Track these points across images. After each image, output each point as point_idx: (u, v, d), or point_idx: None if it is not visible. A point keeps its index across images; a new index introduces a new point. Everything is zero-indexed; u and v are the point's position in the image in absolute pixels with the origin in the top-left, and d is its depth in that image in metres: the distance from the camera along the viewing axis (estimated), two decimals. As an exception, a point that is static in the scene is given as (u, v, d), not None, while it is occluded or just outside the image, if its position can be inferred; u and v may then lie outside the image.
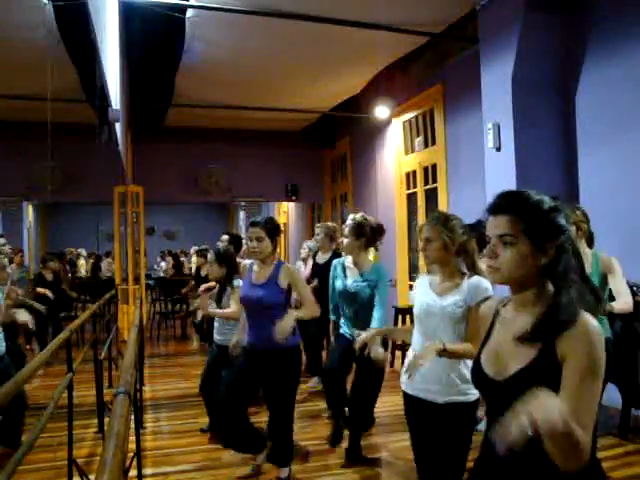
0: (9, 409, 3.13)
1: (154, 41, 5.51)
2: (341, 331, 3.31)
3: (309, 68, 6.56)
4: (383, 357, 2.87)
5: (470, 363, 1.97)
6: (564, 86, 4.42)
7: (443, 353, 1.92)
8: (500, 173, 4.42)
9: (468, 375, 2.01)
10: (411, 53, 6.16)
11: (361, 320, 3.10)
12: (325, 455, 3.45)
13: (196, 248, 11.68)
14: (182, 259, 13.34)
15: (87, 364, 4.23)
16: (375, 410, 3.49)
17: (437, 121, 6.11)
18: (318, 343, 5.20)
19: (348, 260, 3.24)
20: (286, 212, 12.93)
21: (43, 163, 7.44)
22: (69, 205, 15.58)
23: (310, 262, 5.24)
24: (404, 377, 2.18)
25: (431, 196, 6.38)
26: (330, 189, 10.08)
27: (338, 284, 3.24)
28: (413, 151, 6.84)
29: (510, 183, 4.23)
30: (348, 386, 3.37)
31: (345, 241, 3.16)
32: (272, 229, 2.90)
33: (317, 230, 4.88)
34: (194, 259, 12.61)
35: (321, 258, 4.93)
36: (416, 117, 6.72)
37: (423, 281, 2.27)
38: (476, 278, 2.10)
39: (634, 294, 3.21)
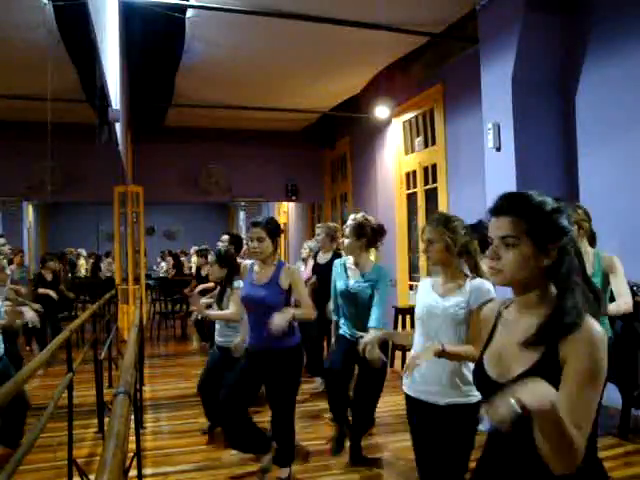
0: (11, 409, 3.13)
1: (154, 41, 5.51)
2: (341, 332, 3.30)
3: (309, 68, 6.55)
4: (378, 357, 2.87)
5: (472, 365, 1.97)
6: (564, 86, 4.42)
7: (442, 354, 1.92)
8: (500, 173, 4.42)
9: (470, 377, 2.01)
10: (411, 53, 6.16)
11: (362, 320, 3.09)
12: (325, 455, 3.45)
13: (196, 248, 11.69)
14: (182, 259, 13.34)
15: (87, 364, 4.22)
16: (376, 410, 3.49)
17: (437, 121, 6.11)
18: (319, 344, 5.20)
19: (349, 260, 3.24)
20: (286, 212, 12.93)
21: (43, 163, 7.44)
22: (69, 205, 15.57)
23: (311, 262, 5.24)
24: (406, 379, 2.18)
25: (431, 196, 6.38)
26: (330, 189, 10.08)
27: (340, 284, 3.24)
28: (413, 151, 6.84)
29: (510, 183, 4.23)
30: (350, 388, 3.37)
31: (346, 241, 3.16)
32: (273, 229, 2.90)
33: (318, 230, 4.87)
34: (194, 259, 12.61)
35: (322, 258, 4.93)
36: (416, 117, 6.71)
37: (425, 283, 2.27)
38: (479, 280, 2.10)
39: (634, 294, 3.21)
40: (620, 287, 2.96)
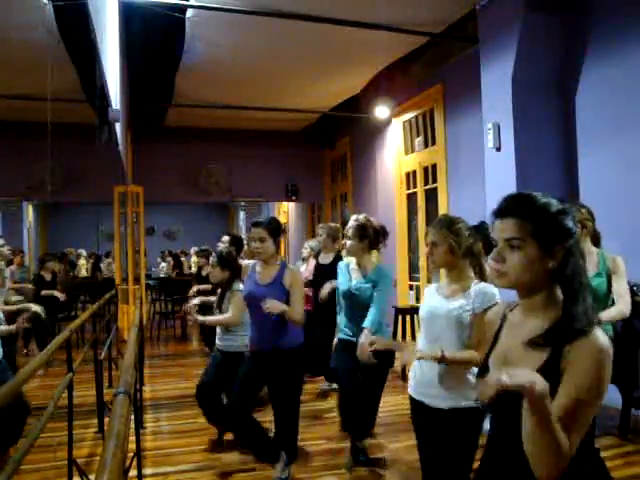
0: (10, 413, 3.11)
1: (154, 41, 5.51)
2: (341, 335, 3.23)
3: (309, 68, 6.56)
4: (368, 356, 2.89)
5: (475, 369, 1.97)
6: (564, 86, 4.42)
7: (441, 360, 1.91)
8: (500, 173, 4.42)
9: (473, 380, 2.00)
10: (411, 53, 6.16)
11: (364, 322, 3.09)
12: (325, 455, 3.45)
13: (196, 249, 11.69)
14: (182, 259, 13.34)
15: (87, 364, 4.22)
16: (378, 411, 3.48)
17: (437, 121, 6.11)
18: (324, 345, 5.18)
19: (353, 262, 3.24)
20: (286, 212, 12.94)
21: (43, 163, 7.44)
22: (69, 205, 15.58)
23: (312, 262, 5.22)
24: (412, 381, 2.19)
25: (431, 196, 6.38)
26: (330, 189, 10.08)
27: (342, 285, 3.23)
28: (413, 151, 6.84)
29: (510, 183, 4.23)
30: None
31: (348, 243, 3.15)
32: (274, 229, 2.88)
33: (320, 231, 4.86)
34: (194, 259, 12.62)
35: (324, 259, 4.92)
36: (416, 117, 6.72)
37: (430, 288, 2.27)
38: (484, 284, 2.09)
39: (634, 294, 3.21)
40: (620, 290, 2.96)
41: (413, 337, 5.88)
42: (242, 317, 3.35)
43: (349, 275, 3.20)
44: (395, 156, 7.12)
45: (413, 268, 6.99)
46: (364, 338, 2.92)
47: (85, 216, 15.70)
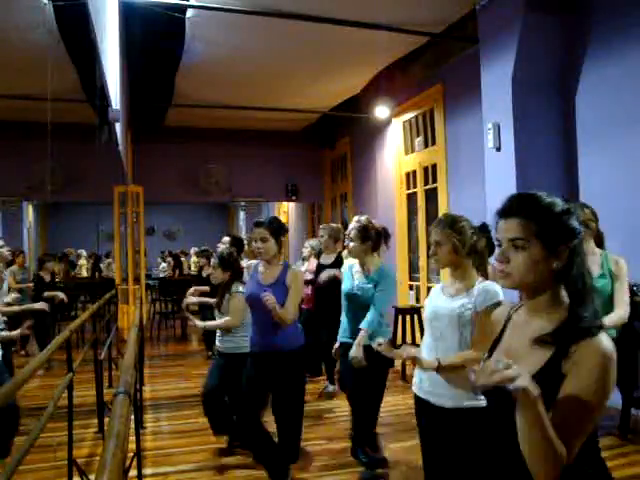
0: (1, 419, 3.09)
1: (154, 41, 5.52)
2: (343, 339, 3.20)
3: (309, 68, 6.56)
4: (360, 359, 2.90)
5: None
6: (564, 86, 4.43)
7: (439, 370, 1.91)
8: (500, 173, 4.42)
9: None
10: (411, 53, 6.16)
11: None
12: (325, 455, 3.45)
13: (196, 249, 11.70)
14: (182, 259, 13.36)
15: (87, 364, 4.22)
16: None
17: (437, 121, 6.11)
18: (329, 348, 5.16)
19: (356, 264, 3.24)
20: (286, 212, 12.93)
21: (43, 163, 7.43)
22: (69, 205, 15.57)
23: (313, 261, 5.21)
24: (416, 379, 2.19)
25: (431, 196, 6.38)
26: (330, 189, 10.08)
27: (345, 286, 3.23)
28: (413, 151, 6.84)
29: (510, 183, 4.24)
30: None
31: (351, 245, 3.15)
32: (276, 229, 2.86)
33: (321, 232, 4.85)
34: (194, 259, 12.63)
35: (325, 259, 4.91)
36: (416, 117, 6.72)
37: (437, 288, 2.27)
38: (487, 282, 2.09)
39: (634, 294, 3.21)
40: (621, 293, 2.96)
41: (413, 337, 5.87)
42: (242, 318, 3.33)
43: (352, 277, 3.21)
44: (395, 156, 7.12)
45: (413, 268, 6.99)
46: (359, 340, 2.93)
47: (85, 216, 15.69)
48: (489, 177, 4.58)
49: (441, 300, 2.16)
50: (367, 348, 2.84)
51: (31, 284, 6.30)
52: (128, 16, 4.86)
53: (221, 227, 17.73)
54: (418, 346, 2.23)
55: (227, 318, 3.39)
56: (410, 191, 6.90)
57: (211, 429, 3.53)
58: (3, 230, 11.07)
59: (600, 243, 3.15)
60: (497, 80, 4.45)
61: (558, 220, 1.19)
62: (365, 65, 6.63)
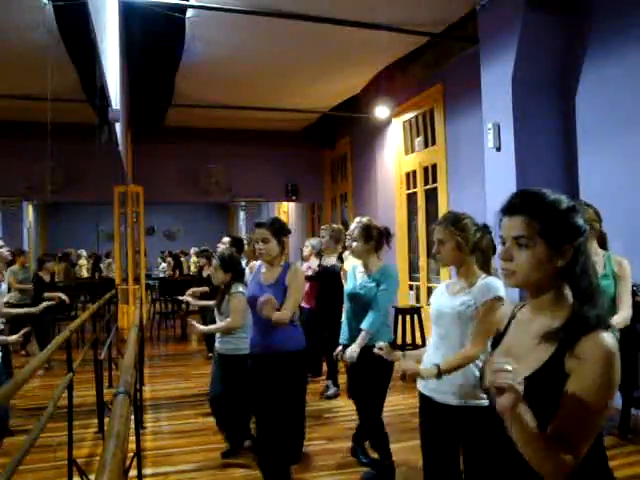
0: None
1: (154, 41, 5.52)
2: (345, 341, 3.18)
3: (309, 68, 6.56)
4: (353, 359, 2.92)
5: (479, 363, 1.97)
6: (564, 86, 4.42)
7: (440, 376, 1.91)
8: (500, 173, 4.42)
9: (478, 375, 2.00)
10: (411, 53, 6.16)
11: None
12: (325, 455, 3.45)
13: (196, 249, 11.70)
14: (182, 259, 13.36)
15: (87, 364, 4.22)
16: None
17: (437, 121, 6.11)
18: (332, 346, 5.14)
19: (359, 265, 3.24)
20: (286, 212, 12.93)
21: (43, 163, 7.44)
22: (69, 205, 15.57)
23: (314, 260, 5.20)
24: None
25: (431, 196, 6.38)
26: (330, 189, 10.08)
27: (348, 286, 3.23)
28: (413, 151, 6.84)
29: (510, 183, 4.23)
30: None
31: (354, 244, 3.15)
32: (278, 229, 2.83)
33: (323, 232, 4.84)
34: (194, 259, 12.63)
35: (326, 260, 4.91)
36: (416, 117, 6.72)
37: (441, 287, 2.27)
38: (490, 278, 2.08)
39: (634, 294, 3.21)
40: (624, 294, 2.95)
41: (413, 337, 5.87)
42: (243, 319, 3.31)
43: (355, 277, 3.21)
44: (395, 156, 7.12)
45: (413, 268, 6.99)
46: (360, 340, 2.93)
47: (85, 216, 15.68)
48: (489, 177, 4.58)
49: (444, 298, 2.16)
50: (369, 349, 2.83)
51: (30, 285, 6.28)
52: (128, 16, 4.87)
53: (221, 227, 17.74)
54: (418, 347, 2.23)
55: (228, 320, 3.36)
56: (410, 191, 6.90)
57: (221, 432, 3.53)
58: (3, 230, 11.07)
59: (603, 244, 3.14)
60: (497, 80, 4.45)
61: (563, 218, 1.17)
62: (365, 65, 6.63)
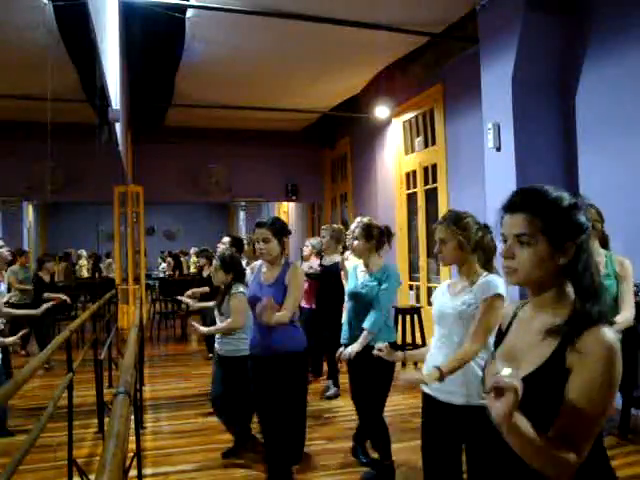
0: None
1: (154, 41, 5.52)
2: (346, 342, 3.16)
3: (309, 68, 6.56)
4: (351, 356, 2.93)
5: (481, 362, 1.96)
6: (564, 86, 4.42)
7: (442, 378, 1.91)
8: (500, 173, 4.42)
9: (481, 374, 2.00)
10: (411, 53, 6.16)
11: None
12: (325, 455, 3.45)
13: (196, 249, 11.70)
14: (182, 259, 13.36)
15: (87, 364, 4.22)
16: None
17: (437, 121, 6.12)
18: (333, 346, 5.14)
19: (360, 264, 3.24)
20: (286, 212, 12.93)
21: (43, 163, 7.44)
22: (69, 205, 15.57)
23: (314, 260, 5.20)
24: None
25: (431, 196, 6.38)
26: (330, 189, 10.08)
27: (349, 286, 3.23)
28: (413, 151, 6.84)
29: (510, 183, 4.23)
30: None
31: (355, 243, 3.15)
32: (279, 229, 2.83)
33: (323, 232, 4.83)
34: (194, 259, 12.63)
35: (327, 260, 4.90)
36: (416, 117, 6.72)
37: (442, 286, 2.27)
38: (491, 276, 2.08)
39: (635, 294, 3.21)
40: (626, 295, 2.95)
41: (413, 337, 5.87)
42: (244, 319, 3.30)
43: (357, 277, 3.21)
44: (395, 156, 7.12)
45: (413, 268, 6.99)
46: (362, 340, 2.93)
47: (85, 216, 15.67)
48: (489, 177, 4.58)
49: (446, 298, 2.16)
50: (371, 349, 2.83)
51: (30, 285, 6.28)
52: (128, 16, 4.87)
53: (221, 227, 17.72)
54: (418, 347, 2.23)
55: (229, 320, 3.35)
56: (410, 191, 6.90)
57: (229, 431, 3.53)
58: (3, 230, 11.07)
59: (605, 244, 3.14)
60: (497, 80, 4.45)
61: (565, 216, 1.16)
62: (365, 65, 6.63)
